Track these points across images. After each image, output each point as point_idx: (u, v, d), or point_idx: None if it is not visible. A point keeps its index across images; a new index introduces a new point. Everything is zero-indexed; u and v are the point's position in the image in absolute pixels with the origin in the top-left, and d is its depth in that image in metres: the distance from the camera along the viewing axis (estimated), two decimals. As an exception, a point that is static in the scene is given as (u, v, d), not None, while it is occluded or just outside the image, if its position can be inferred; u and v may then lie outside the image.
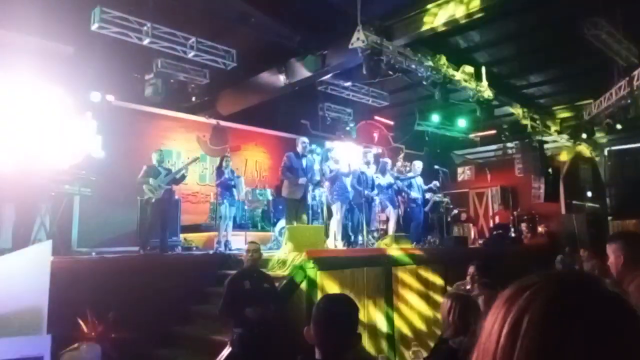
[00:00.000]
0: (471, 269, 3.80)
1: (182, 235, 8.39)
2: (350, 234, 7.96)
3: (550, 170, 12.97)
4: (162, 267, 6.12)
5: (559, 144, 13.74)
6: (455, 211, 11.39)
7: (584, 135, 11.58)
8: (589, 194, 12.98)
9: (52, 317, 4.29)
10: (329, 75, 9.45)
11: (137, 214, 7.79)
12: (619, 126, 10.12)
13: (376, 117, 12.89)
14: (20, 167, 6.49)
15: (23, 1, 6.90)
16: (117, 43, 7.64)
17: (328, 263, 5.63)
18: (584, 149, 13.11)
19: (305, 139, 7.41)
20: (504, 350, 0.56)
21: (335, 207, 7.38)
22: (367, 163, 8.24)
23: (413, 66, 7.65)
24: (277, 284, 4.92)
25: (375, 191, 8.11)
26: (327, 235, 7.26)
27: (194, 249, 8.15)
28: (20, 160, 6.60)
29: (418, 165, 9.28)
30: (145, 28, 7.49)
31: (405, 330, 6.01)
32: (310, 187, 7.30)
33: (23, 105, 7.19)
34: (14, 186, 6.33)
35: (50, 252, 4.48)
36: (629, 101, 9.18)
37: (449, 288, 6.55)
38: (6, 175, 6.31)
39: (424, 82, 8.25)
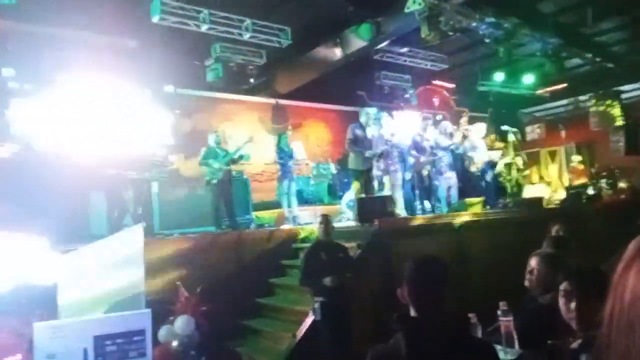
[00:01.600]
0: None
1: (253, 213, 8.70)
2: (418, 201, 7.92)
3: (629, 121, 12.07)
4: (240, 244, 6.41)
5: (638, 93, 12.72)
6: (528, 172, 10.94)
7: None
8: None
9: (148, 294, 4.66)
10: (385, 43, 9.27)
11: (209, 196, 8.16)
12: None
13: (436, 82, 12.51)
14: (105, 158, 6.97)
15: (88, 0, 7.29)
16: (177, 32, 7.91)
17: (399, 231, 5.65)
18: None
19: (370, 109, 7.36)
20: None
21: (395, 177, 7.35)
22: (424, 128, 8.08)
23: (474, 24, 7.33)
24: (351, 254, 5.02)
25: (440, 154, 7.96)
26: (395, 205, 7.25)
27: (266, 225, 8.45)
28: (104, 152, 7.08)
29: (479, 127, 8.97)
30: (202, 15, 7.70)
31: (484, 295, 5.92)
32: (375, 158, 7.27)
33: (100, 99, 7.66)
34: (102, 176, 6.82)
35: (142, 234, 4.86)
36: None
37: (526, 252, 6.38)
38: (94, 166, 6.81)
39: (486, 40, 7.88)
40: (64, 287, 4.37)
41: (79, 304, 4.18)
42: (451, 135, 8.55)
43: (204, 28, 7.82)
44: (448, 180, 8.19)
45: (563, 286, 1.99)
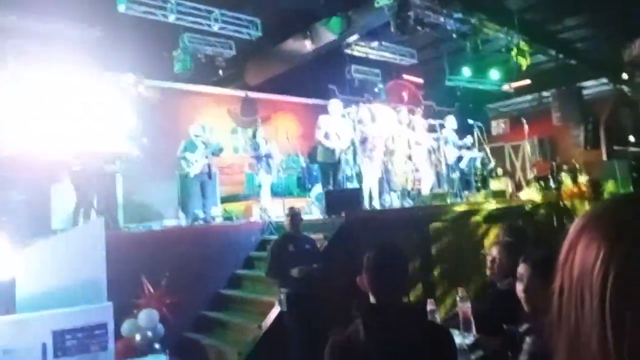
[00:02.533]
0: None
1: (221, 206, 8.63)
2: (385, 194, 8.02)
3: (589, 117, 12.52)
4: (207, 236, 6.36)
5: (598, 89, 13.19)
6: (492, 165, 11.22)
7: (625, 77, 11.04)
8: (632, 138, 12.48)
9: (110, 287, 4.58)
10: (355, 37, 9.30)
11: (177, 189, 8.06)
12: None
13: (405, 76, 12.64)
14: (68, 151, 6.77)
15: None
16: (143, 22, 7.73)
17: (366, 223, 5.71)
18: (624, 92, 12.54)
19: (337, 102, 7.38)
20: (615, 298, 0.53)
21: (365, 169, 7.43)
22: (400, 122, 8.19)
23: (442, 19, 7.44)
24: (318, 245, 5.05)
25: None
26: (362, 197, 7.32)
27: (234, 218, 8.39)
28: (66, 144, 6.88)
29: (450, 120, 9.15)
30: (169, 5, 7.55)
31: (446, 282, 6.08)
32: (344, 151, 7.31)
33: (63, 90, 7.43)
34: (64, 169, 6.63)
35: (103, 227, 4.76)
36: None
37: (487, 241, 6.57)
38: (56, 159, 6.62)
39: (454, 36, 8.02)
40: (23, 281, 4.25)
41: (38, 299, 4.08)
42: (423, 129, 8.70)
43: (171, 18, 7.68)
44: (419, 173, 8.36)
45: (518, 270, 2.07)
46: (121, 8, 7.19)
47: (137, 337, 4.50)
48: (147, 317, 4.59)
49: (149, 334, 4.54)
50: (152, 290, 4.79)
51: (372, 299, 1.81)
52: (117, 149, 7.63)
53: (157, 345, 4.49)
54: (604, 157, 12.46)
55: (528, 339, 1.75)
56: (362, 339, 1.68)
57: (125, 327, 4.59)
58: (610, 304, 0.53)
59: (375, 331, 1.69)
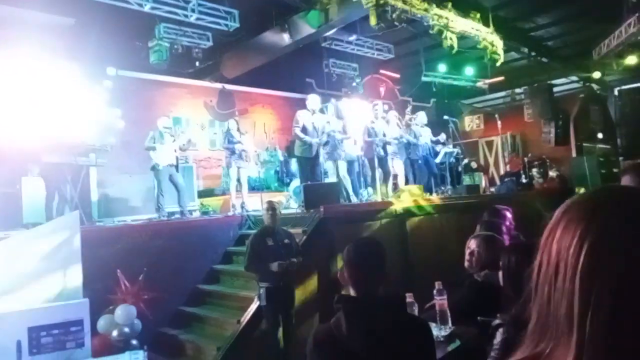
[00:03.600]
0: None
1: (198, 200, 8.57)
2: (363, 188, 8.11)
3: (560, 114, 12.87)
4: (184, 231, 6.31)
5: (568, 87, 13.56)
6: (466, 161, 11.44)
7: (594, 76, 11.38)
8: (600, 135, 12.90)
9: (86, 283, 4.51)
10: (333, 30, 9.30)
11: (153, 182, 7.94)
12: (628, 64, 9.96)
13: (382, 71, 12.74)
14: (39, 142, 6.60)
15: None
16: (118, 11, 7.56)
17: (344, 217, 5.76)
18: (594, 90, 12.94)
19: (316, 96, 7.39)
20: (586, 269, 0.58)
21: (338, 164, 7.49)
22: (376, 116, 8.27)
23: (419, 15, 7.51)
24: (297, 239, 5.08)
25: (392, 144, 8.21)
26: (340, 191, 7.38)
27: (212, 212, 8.35)
28: (37, 136, 6.69)
29: (421, 116, 9.29)
30: (145, -7, 7.40)
31: (424, 275, 6.19)
32: (322, 145, 7.34)
33: (34, 80, 7.21)
34: (36, 161, 6.46)
35: (78, 222, 4.68)
36: (638, 38, 9.00)
37: (462, 235, 6.70)
38: (27, 151, 6.44)
39: (430, 31, 8.12)
40: (-5, 277, 4.13)
41: (12, 295, 4.00)
42: (397, 125, 8.80)
43: (147, 7, 7.53)
44: (395, 168, 8.47)
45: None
46: (94, -4, 7.02)
47: (114, 333, 4.46)
48: (124, 313, 4.54)
49: (126, 330, 4.50)
50: (128, 285, 4.74)
51: (352, 292, 1.85)
52: (90, 140, 7.46)
53: (134, 342, 4.46)
54: (573, 154, 12.84)
55: (500, 331, 1.82)
56: (344, 330, 1.72)
57: (102, 323, 4.54)
58: (580, 275, 0.59)
59: (357, 323, 1.73)
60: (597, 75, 11.39)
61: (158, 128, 7.40)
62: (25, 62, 7.30)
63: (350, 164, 7.98)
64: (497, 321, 1.87)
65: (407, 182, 8.47)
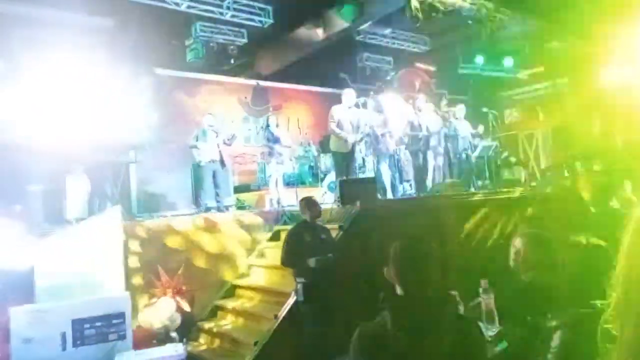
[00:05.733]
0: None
1: (234, 195, 8.63)
2: (400, 183, 7.97)
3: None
4: (220, 226, 6.35)
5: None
6: (505, 154, 11.09)
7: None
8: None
9: (127, 277, 4.62)
10: (367, 24, 9.18)
11: (190, 179, 8.07)
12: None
13: (417, 64, 12.50)
14: (82, 141, 6.79)
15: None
16: (155, 11, 7.70)
17: (381, 213, 5.66)
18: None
19: (351, 91, 7.30)
20: None
21: (378, 159, 7.40)
22: (419, 109, 8.13)
23: (457, 4, 7.30)
24: (333, 235, 5.02)
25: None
26: (377, 187, 7.29)
27: (247, 207, 8.40)
28: (80, 135, 6.89)
29: (460, 109, 9.05)
30: (181, -8, 7.50)
31: (468, 271, 6.02)
32: (357, 141, 7.25)
33: (75, 81, 7.42)
34: (79, 160, 6.66)
35: (120, 217, 4.79)
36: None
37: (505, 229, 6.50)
38: (70, 149, 6.64)
39: (469, 22, 7.88)
40: (42, 271, 4.29)
41: (57, 288, 4.12)
42: (438, 118, 8.62)
43: (183, 6, 7.65)
44: (435, 162, 8.31)
45: None
46: (131, -4, 7.16)
47: (155, 326, 4.53)
48: (163, 306, 4.61)
49: (167, 322, 4.57)
50: (168, 279, 4.82)
51: (398, 291, 1.78)
52: (131, 139, 7.63)
53: (173, 334, 4.53)
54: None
55: (558, 332, 1.72)
56: (390, 330, 1.66)
57: (143, 316, 4.62)
58: None
59: (404, 323, 1.67)
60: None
61: (202, 126, 7.50)
62: (67, 63, 7.53)
63: (389, 158, 7.87)
64: (553, 322, 1.76)
65: (445, 177, 8.28)
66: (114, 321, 4.07)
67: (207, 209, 7.51)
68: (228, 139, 7.62)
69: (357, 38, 10.39)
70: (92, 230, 4.45)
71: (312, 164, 10.02)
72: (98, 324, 4.17)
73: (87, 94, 7.66)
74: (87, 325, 4.09)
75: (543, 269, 2.39)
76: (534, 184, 11.01)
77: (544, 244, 2.54)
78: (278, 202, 7.62)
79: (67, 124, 7.10)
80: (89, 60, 7.83)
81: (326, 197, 8.28)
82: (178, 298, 4.76)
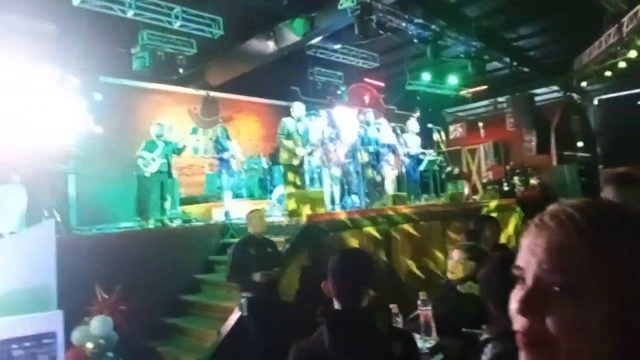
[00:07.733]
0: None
1: (180, 208, 8.43)
2: (348, 196, 8.06)
3: (541, 123, 13.03)
4: (165, 239, 6.19)
5: (549, 96, 13.76)
6: (449, 168, 11.48)
7: (575, 86, 11.54)
8: (580, 144, 13.09)
9: (61, 294, 4.37)
10: (318, 39, 9.30)
11: (134, 190, 7.79)
12: (608, 74, 10.15)
13: (366, 80, 12.78)
14: (17, 149, 6.43)
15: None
16: (101, 17, 7.46)
17: (328, 226, 5.70)
18: (574, 100, 13.15)
19: (300, 104, 7.35)
20: None
21: (327, 172, 7.47)
22: (367, 123, 8.27)
23: (403, 24, 7.55)
24: (280, 249, 5.00)
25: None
26: (332, 199, 7.38)
27: (193, 220, 8.21)
28: (15, 142, 6.53)
29: (412, 123, 9.31)
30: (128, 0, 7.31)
31: (408, 284, 6.16)
32: (307, 153, 7.29)
33: (13, 86, 7.04)
34: (18, 169, 6.29)
35: (53, 230, 4.53)
36: (618, 49, 9.18)
37: (446, 243, 6.71)
38: (9, 159, 6.27)
39: (415, 40, 8.16)
40: (-36, 288, 3.98)
41: (-19, 307, 3.84)
42: (388, 132, 8.81)
43: (129, 14, 7.44)
44: (382, 176, 8.47)
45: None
46: (76, 2, 6.90)
47: (89, 345, 4.31)
48: (99, 324, 4.40)
49: (102, 342, 4.36)
50: (105, 296, 4.60)
51: (336, 305, 1.79)
52: (71, 148, 7.31)
53: (110, 354, 4.32)
54: (554, 162, 13.00)
55: (489, 346, 1.77)
56: (327, 344, 1.66)
57: (76, 335, 4.38)
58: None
59: (340, 337, 1.68)
60: (583, 84, 11.54)
61: (150, 136, 7.31)
62: (3, 68, 7.14)
63: (339, 170, 7.96)
64: (485, 335, 1.82)
65: (392, 190, 8.45)
66: (45, 341, 3.82)
67: (154, 221, 7.29)
68: (175, 149, 7.47)
69: (308, 52, 10.50)
70: (22, 244, 4.19)
71: (261, 176, 9.96)
72: (27, 344, 3.89)
73: (26, 100, 7.29)
74: (15, 346, 3.81)
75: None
76: (475, 197, 11.48)
77: (480, 256, 2.65)
78: (225, 215, 7.51)
79: (2, 131, 6.71)
80: (29, 65, 7.47)
81: (275, 210, 8.24)
82: (116, 316, 4.55)
